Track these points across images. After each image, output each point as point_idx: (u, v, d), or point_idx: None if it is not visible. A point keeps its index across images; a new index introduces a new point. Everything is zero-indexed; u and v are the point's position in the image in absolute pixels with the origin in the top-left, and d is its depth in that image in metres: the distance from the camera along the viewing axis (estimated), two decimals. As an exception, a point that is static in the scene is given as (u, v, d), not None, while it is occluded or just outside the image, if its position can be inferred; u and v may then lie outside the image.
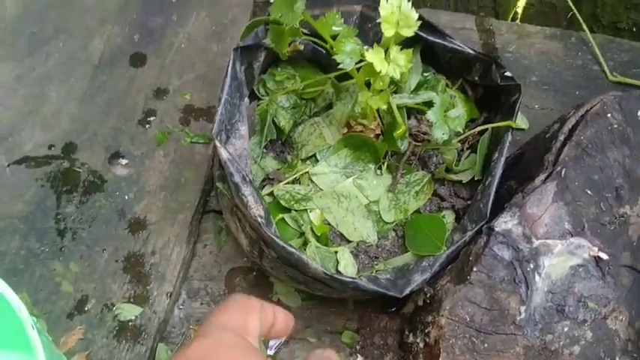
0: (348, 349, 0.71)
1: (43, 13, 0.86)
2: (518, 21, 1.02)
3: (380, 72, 0.55)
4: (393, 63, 0.55)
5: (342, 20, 0.61)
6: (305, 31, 0.60)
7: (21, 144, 0.78)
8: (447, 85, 0.72)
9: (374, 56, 0.54)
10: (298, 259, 0.55)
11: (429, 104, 0.64)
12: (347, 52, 0.58)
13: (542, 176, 0.57)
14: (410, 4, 0.53)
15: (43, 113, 0.80)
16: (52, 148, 0.78)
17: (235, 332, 0.40)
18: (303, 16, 0.55)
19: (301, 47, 0.63)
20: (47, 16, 0.86)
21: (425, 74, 0.72)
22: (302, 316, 0.73)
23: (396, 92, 0.70)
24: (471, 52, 0.66)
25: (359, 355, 0.70)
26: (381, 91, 0.60)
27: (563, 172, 0.55)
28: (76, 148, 0.78)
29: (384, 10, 0.53)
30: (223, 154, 0.57)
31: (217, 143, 0.58)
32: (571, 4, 0.93)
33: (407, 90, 0.70)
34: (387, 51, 0.56)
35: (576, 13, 0.92)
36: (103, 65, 0.83)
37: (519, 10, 1.01)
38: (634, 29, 0.97)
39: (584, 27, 0.91)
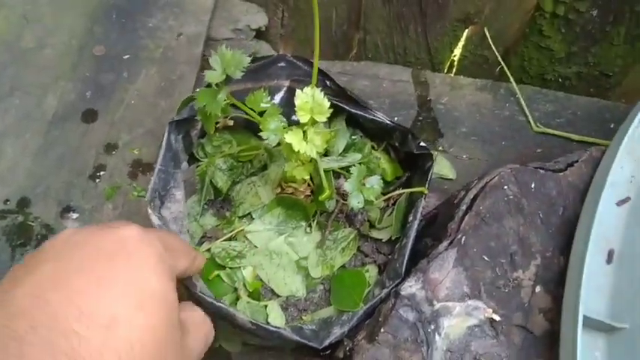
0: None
1: (-1, 71, 0.91)
2: (453, 71, 1.08)
3: (298, 151, 0.60)
4: (310, 143, 0.61)
5: (269, 96, 0.67)
6: (236, 104, 0.66)
7: (-23, 199, 0.82)
8: (372, 147, 0.78)
9: (292, 137, 0.60)
10: (226, 313, 0.61)
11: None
12: (271, 130, 0.63)
13: (445, 243, 0.63)
14: (322, 93, 0.59)
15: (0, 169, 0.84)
16: (8, 203, 0.82)
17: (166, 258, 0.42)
18: (229, 100, 0.61)
19: (231, 123, 0.68)
20: (3, 74, 0.90)
21: (353, 137, 0.78)
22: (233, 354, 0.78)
23: (326, 154, 0.76)
24: (389, 123, 0.72)
25: (296, 398, 0.76)
26: (306, 162, 0.66)
27: (463, 239, 0.62)
28: (30, 203, 0.83)
29: (298, 99, 0.58)
30: (154, 220, 0.63)
31: (149, 210, 0.63)
32: (499, 58, 1.00)
33: (335, 153, 0.76)
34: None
35: (504, 66, 0.99)
36: (57, 121, 0.88)
37: (455, 60, 1.08)
38: (559, 80, 1.04)
39: (512, 79, 0.98)
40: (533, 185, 0.64)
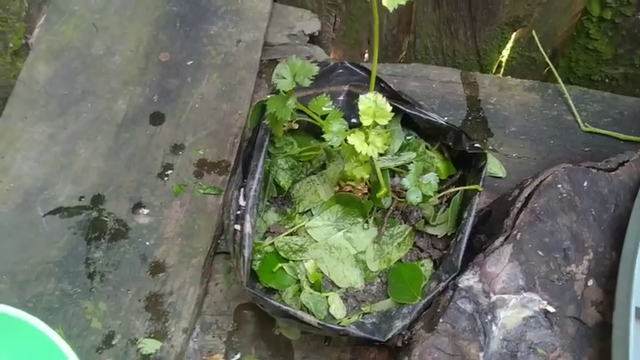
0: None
1: (72, 77, 0.97)
2: (501, 73, 1.11)
3: (360, 152, 0.65)
4: (371, 144, 0.65)
5: (331, 101, 0.71)
6: (301, 108, 0.71)
7: (55, 196, 0.89)
8: (426, 147, 0.82)
9: (355, 139, 0.64)
10: (293, 314, 0.66)
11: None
12: (334, 132, 0.68)
13: (501, 238, 0.66)
14: (384, 98, 0.63)
15: (73, 168, 0.91)
16: (82, 200, 0.89)
17: None
18: (296, 106, 0.65)
19: (296, 127, 0.73)
20: (76, 80, 0.97)
21: (407, 137, 0.82)
22: (301, 347, 0.83)
23: (381, 154, 0.80)
24: (443, 123, 0.75)
25: (352, 383, 0.80)
26: (365, 162, 0.70)
27: (518, 235, 0.65)
28: (103, 200, 0.89)
29: (362, 104, 0.63)
30: (248, 229, 0.68)
31: (248, 222, 0.68)
32: (547, 59, 1.03)
33: (391, 152, 0.80)
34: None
35: (552, 67, 1.02)
36: (126, 124, 0.94)
37: (503, 61, 1.11)
38: (606, 80, 1.06)
39: (559, 80, 1.00)
40: (585, 184, 0.67)
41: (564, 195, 0.66)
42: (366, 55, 1.16)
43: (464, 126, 0.99)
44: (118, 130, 0.94)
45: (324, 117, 0.70)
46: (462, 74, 1.04)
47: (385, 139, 0.65)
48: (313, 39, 1.09)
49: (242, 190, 0.70)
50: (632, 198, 0.66)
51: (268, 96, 0.66)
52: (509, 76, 1.07)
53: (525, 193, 0.67)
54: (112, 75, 0.98)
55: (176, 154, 0.92)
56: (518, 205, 0.67)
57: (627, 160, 0.69)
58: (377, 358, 0.79)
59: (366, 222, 0.78)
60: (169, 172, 0.91)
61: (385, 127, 0.80)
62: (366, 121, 0.64)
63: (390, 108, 0.63)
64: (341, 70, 0.78)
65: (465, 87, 1.03)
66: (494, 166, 0.94)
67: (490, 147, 0.97)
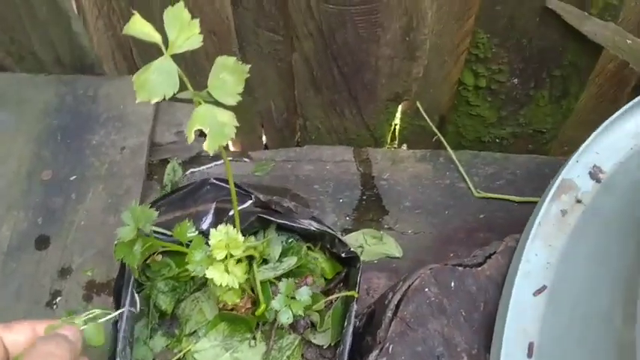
0: None
1: (-49, 208, 0.94)
2: (397, 142, 1.12)
3: (221, 284, 0.63)
4: (232, 274, 0.64)
5: (196, 223, 0.70)
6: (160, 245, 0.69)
7: (-60, 341, 0.85)
8: (309, 248, 0.81)
9: (214, 273, 0.63)
10: None
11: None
12: (197, 262, 0.66)
13: (374, 352, 0.65)
14: (235, 229, 0.62)
15: (-42, 308, 0.87)
16: (-31, 340, 0.85)
17: None
18: (150, 244, 0.64)
19: (159, 258, 0.71)
20: (-44, 211, 0.94)
21: (289, 241, 0.81)
22: None
23: (264, 261, 0.78)
24: (316, 229, 0.75)
25: None
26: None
27: (390, 348, 0.64)
28: (-9, 337, 0.85)
29: (213, 238, 0.62)
30: None
31: None
32: (434, 128, 1.03)
33: (272, 259, 0.79)
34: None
35: (440, 136, 1.02)
36: (12, 251, 0.91)
37: (396, 131, 1.11)
38: (497, 140, 1.07)
39: (448, 148, 1.01)
40: (453, 284, 0.67)
41: (433, 299, 0.66)
42: (264, 138, 1.16)
43: (359, 207, 0.99)
44: (4, 259, 0.91)
45: (190, 242, 0.69)
46: (354, 152, 1.04)
47: (244, 267, 0.64)
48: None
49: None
50: (500, 293, 0.66)
51: (115, 242, 0.64)
52: (402, 147, 1.07)
53: (395, 300, 0.67)
54: (-6, 201, 0.95)
55: (64, 278, 0.89)
56: (389, 313, 0.66)
57: (494, 253, 0.69)
58: None
59: (254, 338, 0.76)
60: (58, 299, 0.88)
61: (264, 234, 0.80)
62: (219, 255, 0.62)
63: (242, 238, 0.62)
64: (208, 187, 0.77)
65: (359, 164, 1.03)
66: (390, 247, 0.93)
67: (386, 226, 0.97)
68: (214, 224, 0.77)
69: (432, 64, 0.94)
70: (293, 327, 0.77)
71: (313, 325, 0.77)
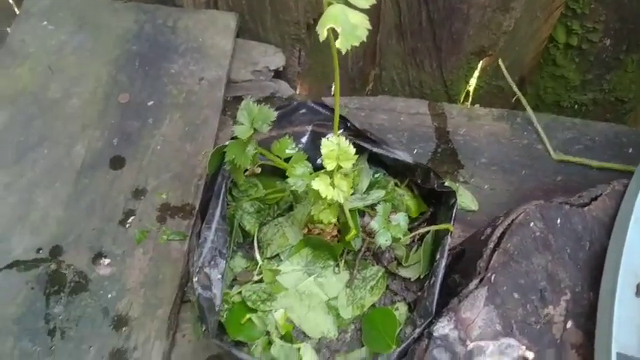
0: None
1: (28, 122, 0.93)
2: (469, 102, 1.10)
3: (325, 197, 0.62)
4: (337, 188, 0.62)
5: (294, 142, 0.69)
6: (263, 153, 0.68)
7: (11, 249, 0.84)
8: (396, 184, 0.79)
9: (319, 184, 0.62)
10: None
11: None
12: (298, 176, 0.65)
13: (475, 281, 0.64)
14: (347, 140, 0.61)
15: (31, 219, 0.86)
16: (40, 252, 0.84)
17: None
18: (257, 152, 0.62)
19: (258, 170, 0.70)
20: (32, 125, 0.93)
21: (376, 175, 0.80)
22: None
23: (351, 193, 0.77)
24: (410, 161, 0.73)
25: None
26: (332, 204, 0.68)
27: (493, 278, 0.63)
28: (62, 251, 0.85)
29: (324, 147, 0.60)
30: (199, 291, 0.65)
31: (195, 284, 0.65)
32: (515, 87, 1.01)
33: (359, 191, 0.78)
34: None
35: (520, 96, 1.01)
36: (86, 169, 0.90)
37: (471, 90, 1.09)
38: (575, 106, 1.05)
39: (528, 108, 0.99)
40: (558, 221, 0.65)
41: (538, 234, 0.64)
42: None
43: (433, 158, 0.97)
44: (77, 177, 0.90)
45: (288, 159, 0.67)
46: (429, 105, 1.03)
47: (351, 181, 0.63)
48: (278, 74, 1.07)
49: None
50: (607, 234, 0.64)
51: (227, 142, 0.63)
52: (477, 105, 1.05)
53: (497, 233, 0.65)
54: (69, 119, 0.94)
55: (138, 199, 0.88)
56: (491, 245, 0.65)
57: (600, 194, 0.67)
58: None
59: (337, 265, 0.75)
60: (131, 218, 0.87)
61: (353, 165, 0.78)
62: (329, 165, 0.61)
63: (354, 150, 0.61)
64: (304, 110, 0.76)
65: (433, 118, 1.02)
66: (466, 200, 0.92)
67: (461, 179, 0.95)
68: (310, 147, 0.76)
69: (523, 18, 0.92)
70: (377, 259, 0.76)
71: (397, 259, 0.76)
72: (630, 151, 0.97)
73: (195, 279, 0.65)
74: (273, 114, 0.60)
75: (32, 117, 0.94)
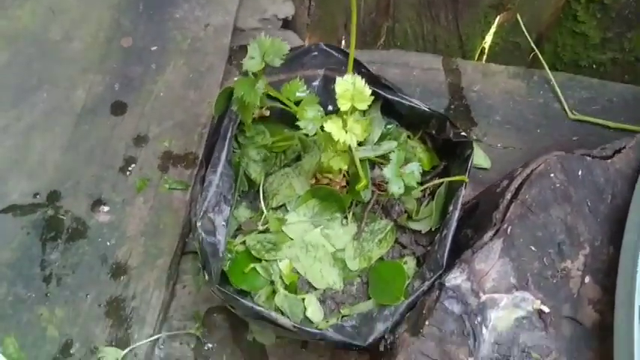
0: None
1: (27, 64, 0.90)
2: (484, 59, 1.06)
3: (338, 140, 0.59)
4: (350, 132, 0.59)
5: (305, 86, 0.65)
6: (272, 93, 0.64)
7: (7, 193, 0.82)
8: (408, 137, 0.76)
9: (332, 126, 0.59)
10: (267, 315, 0.60)
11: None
12: (309, 119, 0.62)
13: (490, 233, 0.61)
14: (363, 80, 0.57)
15: (28, 163, 0.84)
16: (37, 197, 0.82)
17: None
18: (266, 90, 0.59)
19: (267, 113, 0.67)
20: (31, 68, 0.90)
21: (388, 126, 0.76)
22: (276, 353, 0.77)
23: (360, 144, 0.74)
24: (426, 109, 0.70)
25: (331, 388, 0.75)
26: (343, 152, 0.65)
27: (509, 229, 0.60)
28: (60, 196, 0.82)
29: (339, 87, 0.57)
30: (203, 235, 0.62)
31: (199, 229, 0.62)
32: (533, 44, 0.98)
33: (370, 142, 0.74)
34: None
35: (538, 53, 0.97)
36: (86, 114, 0.87)
37: (486, 47, 1.06)
38: (594, 66, 1.01)
39: (545, 66, 0.95)
40: (580, 173, 0.62)
41: (558, 185, 0.61)
42: (343, 42, 1.10)
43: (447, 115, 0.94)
44: (76, 121, 0.87)
45: (297, 103, 0.64)
46: (443, 61, 0.99)
47: (365, 126, 0.60)
48: (287, 24, 1.03)
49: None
50: (630, 188, 0.61)
51: (235, 79, 0.60)
52: (492, 63, 1.01)
53: (515, 184, 0.62)
54: (70, 62, 0.91)
55: (139, 146, 0.85)
56: (508, 196, 0.62)
57: (624, 147, 0.64)
58: (358, 362, 0.74)
59: (345, 217, 0.72)
60: (132, 166, 0.84)
61: (364, 113, 0.75)
62: (343, 106, 0.58)
63: (370, 91, 0.58)
64: (316, 53, 0.72)
65: (447, 74, 0.98)
66: (478, 157, 0.89)
67: (474, 137, 0.92)
68: (322, 92, 0.72)
69: (545, -30, 0.88)
70: (386, 212, 0.74)
71: (407, 212, 0.73)
72: (648, 113, 0.94)
73: (199, 223, 0.63)
74: (286, 47, 0.56)
75: (32, 59, 0.91)
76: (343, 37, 1.10)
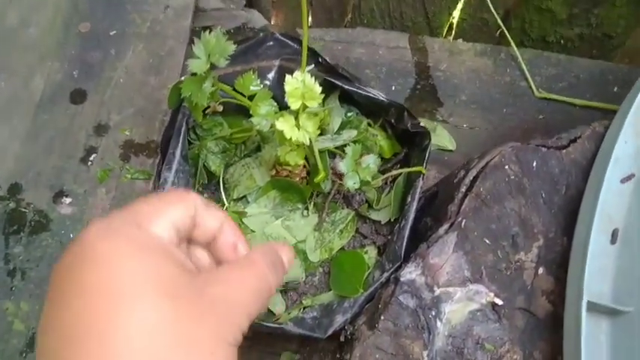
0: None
1: (-18, 52, 0.88)
2: (452, 35, 1.05)
3: (290, 138, 0.58)
4: (302, 129, 0.59)
5: (259, 78, 0.64)
6: (224, 90, 0.63)
7: (-33, 187, 0.81)
8: (369, 124, 0.76)
9: (283, 125, 0.58)
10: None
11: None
12: (262, 115, 0.61)
13: (445, 226, 0.61)
14: (313, 78, 0.56)
15: (-13, 155, 0.82)
16: (-2, 190, 0.81)
17: (136, 223, 0.35)
18: (216, 88, 0.58)
19: (220, 109, 0.66)
20: (-14, 55, 0.88)
21: (349, 114, 0.76)
22: (245, 338, 0.78)
23: (321, 133, 0.73)
24: (384, 99, 0.69)
25: (299, 374, 0.76)
26: (299, 146, 0.64)
27: (463, 223, 0.60)
28: (21, 189, 0.81)
29: (288, 85, 0.56)
30: None
31: None
32: (499, 20, 0.96)
33: (330, 131, 0.74)
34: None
35: (504, 29, 0.96)
36: (45, 103, 0.86)
37: (454, 23, 1.04)
38: (561, 42, 1.01)
39: (512, 43, 0.94)
40: (535, 164, 0.62)
41: (512, 177, 0.62)
42: (310, 19, 1.08)
43: (412, 95, 0.93)
44: (35, 111, 0.85)
45: (252, 97, 0.63)
46: (410, 39, 0.98)
47: (318, 122, 0.59)
48: (251, 2, 1.01)
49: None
50: (584, 178, 0.62)
51: (182, 78, 0.59)
52: (460, 40, 1.00)
53: (470, 176, 0.62)
54: (27, 49, 0.89)
55: (100, 135, 0.84)
56: (463, 189, 0.62)
57: (579, 136, 0.64)
58: (325, 348, 0.75)
59: (306, 208, 0.72)
60: (93, 155, 0.83)
61: (324, 103, 0.74)
62: (294, 104, 0.57)
63: (320, 89, 0.57)
64: (271, 43, 0.71)
65: (414, 52, 0.97)
66: (443, 139, 0.89)
67: (440, 117, 0.92)
68: (277, 83, 0.71)
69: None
70: (347, 202, 0.74)
71: (368, 202, 0.73)
72: (615, 89, 0.94)
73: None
74: (232, 47, 0.55)
75: (-14, 46, 0.89)
76: (309, 13, 1.08)
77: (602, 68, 0.96)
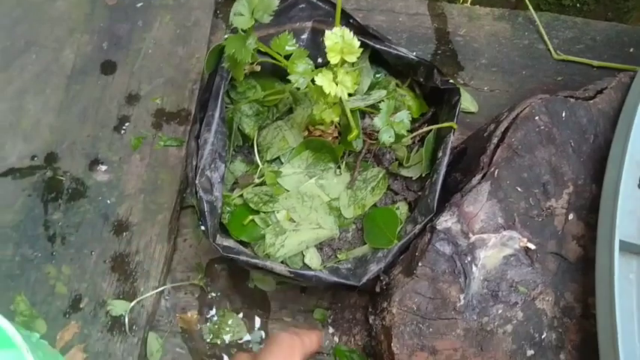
0: (320, 324, 0.79)
1: (12, 27, 0.89)
2: (469, 1, 1.06)
3: (329, 93, 0.60)
4: (340, 84, 0.61)
5: (294, 39, 0.66)
6: (262, 49, 0.65)
7: (5, 157, 0.83)
8: (397, 85, 0.78)
9: (323, 79, 0.60)
10: (263, 266, 0.63)
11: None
12: (299, 73, 0.63)
13: (478, 176, 0.63)
14: (352, 33, 0.58)
15: (23, 126, 0.85)
16: (35, 159, 0.83)
17: None
18: (257, 46, 0.60)
19: (258, 69, 0.68)
20: (17, 30, 0.89)
21: (377, 75, 0.78)
22: (277, 298, 0.81)
23: (350, 95, 0.75)
24: (414, 58, 0.71)
25: (330, 327, 0.78)
26: (334, 103, 0.66)
27: (496, 172, 0.62)
28: (57, 157, 0.83)
29: (328, 40, 0.58)
30: (202, 195, 0.64)
31: (198, 189, 0.64)
32: (516, -15, 0.98)
33: (360, 92, 0.76)
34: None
35: (522, -7, 0.98)
36: (76, 75, 0.88)
37: (471, -10, 1.06)
38: (577, 5, 1.02)
39: (530, 6, 0.96)
40: (563, 114, 0.64)
41: (542, 127, 0.64)
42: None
43: (433, 60, 0.95)
44: (67, 82, 0.87)
45: (287, 57, 0.65)
46: (429, 5, 0.99)
47: (355, 77, 0.61)
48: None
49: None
50: (611, 127, 0.64)
51: (225, 37, 0.61)
52: (477, 5, 1.02)
53: (502, 128, 0.64)
54: (56, 22, 0.91)
55: (132, 104, 0.86)
56: (495, 140, 0.64)
57: (606, 87, 0.66)
58: (357, 303, 0.78)
59: (338, 167, 0.75)
60: (126, 124, 0.85)
61: (353, 64, 0.76)
62: (333, 59, 0.59)
63: (359, 43, 0.59)
64: (303, 5, 0.73)
65: (433, 19, 0.99)
66: (466, 101, 0.90)
67: (461, 81, 0.93)
68: (311, 44, 0.73)
69: None
70: (378, 160, 0.76)
71: (398, 160, 0.76)
72: (631, 50, 0.95)
73: (196, 182, 0.65)
74: (275, 2, 0.57)
75: (17, 21, 0.90)
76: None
77: (617, 30, 0.97)
